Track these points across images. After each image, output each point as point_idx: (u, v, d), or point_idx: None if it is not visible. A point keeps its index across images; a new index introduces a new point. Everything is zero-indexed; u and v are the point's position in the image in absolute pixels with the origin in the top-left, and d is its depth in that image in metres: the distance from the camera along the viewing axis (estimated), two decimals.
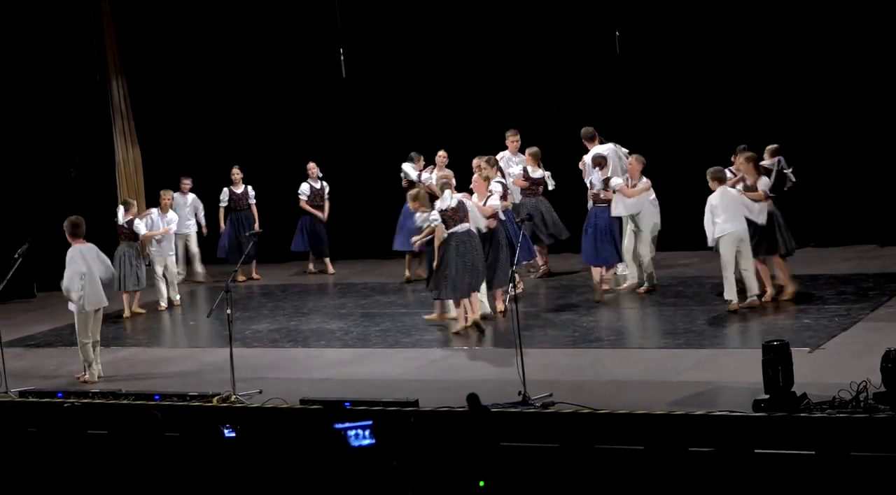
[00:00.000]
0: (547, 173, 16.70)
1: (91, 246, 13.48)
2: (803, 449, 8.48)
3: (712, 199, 13.95)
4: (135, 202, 17.68)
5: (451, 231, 14.06)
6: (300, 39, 19.85)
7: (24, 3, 19.33)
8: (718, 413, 10.20)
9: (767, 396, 10.12)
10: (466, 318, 14.11)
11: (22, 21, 19.29)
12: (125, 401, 12.21)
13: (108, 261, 13.74)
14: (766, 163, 14.68)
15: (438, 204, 14.23)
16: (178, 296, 17.60)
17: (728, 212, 13.84)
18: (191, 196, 18.80)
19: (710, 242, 14.01)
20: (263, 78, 20.26)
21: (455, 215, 14.12)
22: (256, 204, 19.02)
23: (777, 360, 10.14)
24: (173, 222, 17.67)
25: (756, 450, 7.65)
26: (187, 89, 20.59)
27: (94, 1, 19.34)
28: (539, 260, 16.95)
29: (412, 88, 19.45)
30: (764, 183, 14.28)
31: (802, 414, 9.93)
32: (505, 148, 17.10)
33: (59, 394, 12.64)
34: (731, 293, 13.86)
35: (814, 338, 12.52)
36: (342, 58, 18.44)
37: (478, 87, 18.94)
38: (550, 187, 16.79)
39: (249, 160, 19.80)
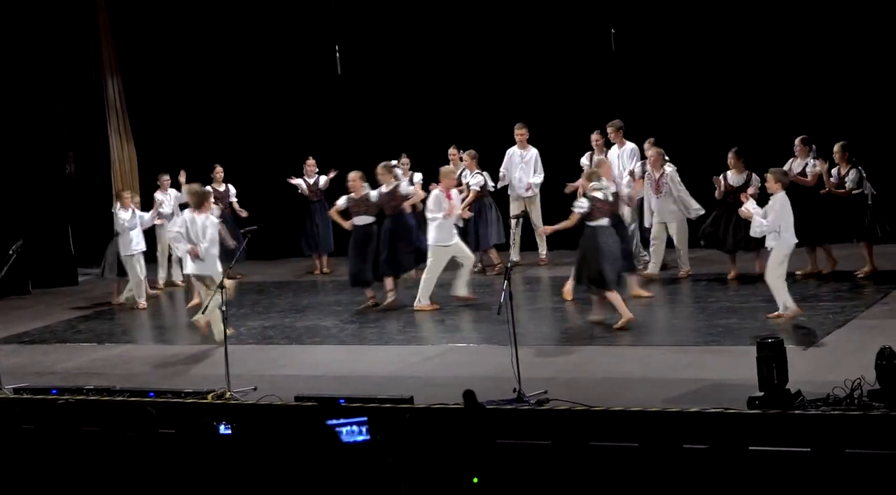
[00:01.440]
0: (485, 173, 17.01)
1: (202, 215, 14.32)
2: (798, 446, 8.48)
3: (785, 204, 13.03)
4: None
5: (598, 223, 13.52)
6: (295, 36, 19.84)
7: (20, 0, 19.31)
8: (713, 410, 10.19)
9: (762, 393, 10.11)
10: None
11: (17, 18, 19.26)
12: (120, 398, 12.19)
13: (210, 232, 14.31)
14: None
15: (595, 193, 13.58)
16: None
17: (789, 220, 13.03)
18: (172, 192, 18.54)
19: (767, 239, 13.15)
20: (259, 75, 20.25)
21: (605, 207, 13.61)
22: (245, 202, 18.88)
23: (772, 358, 10.13)
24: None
25: (750, 448, 7.66)
26: (182, 86, 20.58)
27: None
28: (494, 258, 17.30)
29: (407, 85, 19.44)
30: (852, 177, 14.56)
31: (797, 412, 9.92)
32: (514, 143, 17.28)
33: (54, 391, 12.62)
34: (789, 301, 13.08)
35: (808, 335, 12.53)
36: (337, 54, 18.45)
37: (473, 84, 18.94)
38: (490, 188, 17.16)
39: (244, 157, 19.79)
